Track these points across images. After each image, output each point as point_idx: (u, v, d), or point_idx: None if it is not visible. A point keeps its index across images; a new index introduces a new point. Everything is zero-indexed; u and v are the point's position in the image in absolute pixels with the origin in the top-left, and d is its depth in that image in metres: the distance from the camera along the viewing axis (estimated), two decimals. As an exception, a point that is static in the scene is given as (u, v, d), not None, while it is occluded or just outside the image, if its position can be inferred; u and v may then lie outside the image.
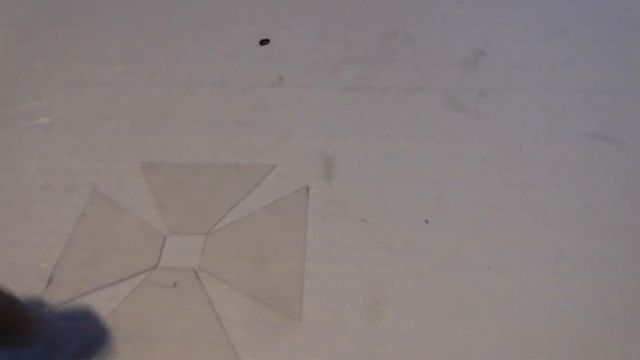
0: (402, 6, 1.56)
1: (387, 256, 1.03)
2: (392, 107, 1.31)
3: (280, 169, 1.20)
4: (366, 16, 1.56)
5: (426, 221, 1.07)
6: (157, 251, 1.08)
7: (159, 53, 1.52)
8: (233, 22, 1.58)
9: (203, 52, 1.51)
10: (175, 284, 1.02)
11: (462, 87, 1.34)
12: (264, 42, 1.49)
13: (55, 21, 1.61)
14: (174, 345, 0.95)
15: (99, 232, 1.12)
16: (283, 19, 1.56)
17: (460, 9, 1.55)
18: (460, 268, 1.00)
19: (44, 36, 1.57)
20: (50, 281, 1.05)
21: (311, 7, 1.59)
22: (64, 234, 1.13)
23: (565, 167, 1.16)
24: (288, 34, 1.52)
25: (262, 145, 1.25)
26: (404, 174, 1.16)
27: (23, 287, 1.05)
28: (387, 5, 1.57)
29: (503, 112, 1.28)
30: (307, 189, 1.15)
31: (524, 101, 1.30)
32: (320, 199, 1.13)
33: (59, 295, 1.03)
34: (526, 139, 1.22)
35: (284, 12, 1.58)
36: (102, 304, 1.02)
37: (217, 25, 1.57)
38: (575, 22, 1.49)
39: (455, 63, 1.41)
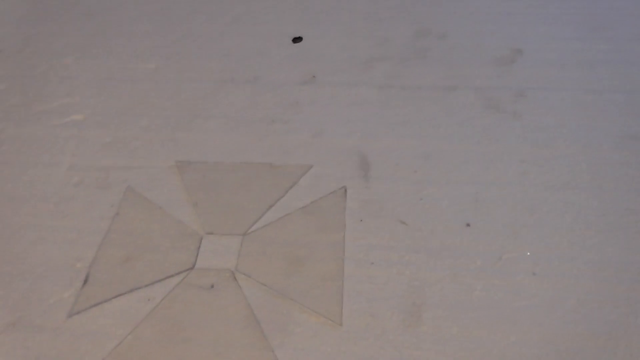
0: (434, 4, 1.54)
1: (427, 259, 1.02)
2: (427, 106, 1.29)
3: (316, 169, 1.18)
4: (397, 13, 1.54)
5: (467, 225, 1.06)
6: (194, 251, 1.07)
7: (188, 49, 1.51)
8: (261, 19, 1.57)
9: (233, 48, 1.50)
10: (212, 286, 1.01)
11: (498, 86, 1.32)
12: (296, 39, 1.48)
13: (85, 17, 1.61)
14: (212, 349, 0.95)
15: (134, 230, 1.12)
16: (313, 16, 1.55)
17: (493, 6, 1.53)
18: (503, 273, 0.98)
19: (74, 32, 1.57)
20: (86, 281, 1.05)
21: (342, 3, 1.57)
22: (98, 232, 1.13)
23: (606, 169, 1.14)
24: (318, 31, 1.50)
25: (295, 144, 1.24)
26: (441, 175, 1.15)
27: (59, 287, 1.05)
28: (418, 3, 1.55)
29: (541, 112, 1.26)
30: (345, 189, 1.13)
31: (563, 101, 1.28)
32: (357, 200, 1.12)
33: (95, 296, 1.03)
34: (565, 140, 1.20)
35: (314, 8, 1.56)
36: (139, 306, 1.01)
37: (245, 22, 1.56)
38: (612, 19, 1.46)
39: (491, 61, 1.39)
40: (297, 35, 1.52)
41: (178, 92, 1.40)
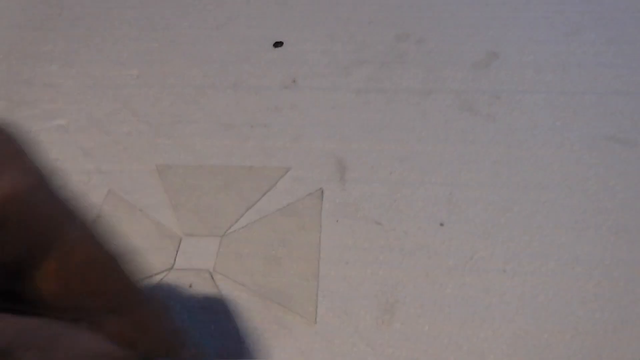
0: (413, 8, 1.56)
1: (400, 259, 1.04)
2: (404, 110, 1.31)
3: (294, 172, 1.20)
4: (377, 18, 1.56)
5: (441, 224, 1.08)
6: (173, 252, 1.09)
7: (171, 56, 1.53)
8: (245, 25, 1.59)
9: (216, 54, 1.52)
10: (190, 285, 1.03)
11: (474, 90, 1.34)
12: (277, 44, 1.50)
13: (70, 24, 1.63)
14: (189, 346, 0.97)
15: (115, 233, 1.13)
16: (295, 21, 1.57)
17: (471, 11, 1.55)
18: (475, 271, 1.00)
19: (59, 39, 1.59)
20: (67, 282, 1.06)
21: (323, 8, 1.60)
22: (80, 236, 1.14)
23: (578, 170, 1.16)
24: (300, 36, 1.52)
25: (274, 148, 1.26)
26: (417, 177, 1.17)
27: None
28: (398, 8, 1.57)
29: (515, 114, 1.28)
30: (322, 191, 1.15)
31: (537, 103, 1.30)
32: (333, 202, 1.14)
33: (76, 296, 1.04)
34: (538, 141, 1.22)
35: (296, 14, 1.59)
36: (119, 305, 1.03)
37: (230, 27, 1.58)
38: (587, 23, 1.49)
39: (467, 65, 1.41)
40: (278, 40, 1.54)
41: (160, 99, 1.42)
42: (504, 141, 1.23)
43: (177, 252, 1.10)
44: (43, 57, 1.57)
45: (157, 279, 1.05)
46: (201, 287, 1.03)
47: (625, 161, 1.17)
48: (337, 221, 1.11)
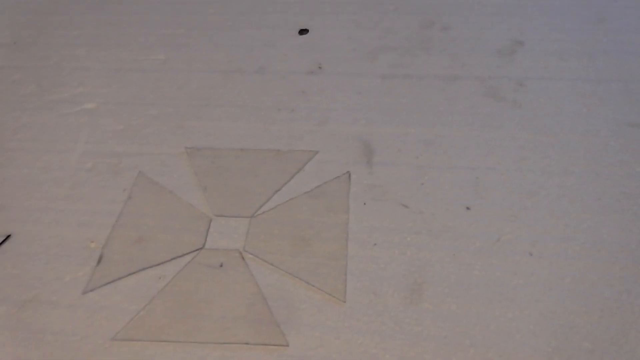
0: (438, -5, 1.57)
1: (428, 241, 1.05)
2: (429, 95, 1.33)
3: (321, 155, 1.22)
4: (402, 5, 1.57)
5: (467, 208, 1.09)
6: (203, 233, 1.11)
7: (197, 41, 1.55)
8: (269, 11, 1.60)
9: (241, 40, 1.53)
10: (221, 265, 1.05)
11: (499, 76, 1.35)
12: (303, 31, 1.52)
13: (97, 9, 1.65)
14: (220, 324, 0.99)
15: (146, 213, 1.16)
16: (320, 8, 1.58)
17: (496, -2, 1.56)
18: (501, 253, 1.02)
19: (86, 23, 1.61)
20: (100, 260, 1.09)
21: (347, -5, 1.61)
22: (111, 214, 1.17)
23: (603, 155, 1.17)
24: (325, 22, 1.54)
25: (301, 131, 1.28)
26: (442, 160, 1.18)
27: (73, 266, 1.09)
28: (423, -6, 1.58)
29: (540, 100, 1.29)
30: (349, 174, 1.17)
31: (562, 90, 1.31)
32: (361, 185, 1.16)
33: (109, 274, 1.07)
34: (563, 127, 1.23)
35: (321, 1, 1.60)
36: (151, 284, 1.06)
37: (254, 13, 1.60)
38: (612, 11, 1.49)
39: (492, 52, 1.42)
40: (304, 28, 1.56)
41: (187, 82, 1.44)
42: (530, 127, 1.23)
43: (207, 232, 1.12)
44: (71, 42, 1.59)
45: (188, 258, 1.07)
46: (231, 266, 1.05)
47: (651, 147, 1.18)
48: (364, 204, 1.13)
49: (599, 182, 1.12)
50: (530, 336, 0.91)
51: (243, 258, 1.07)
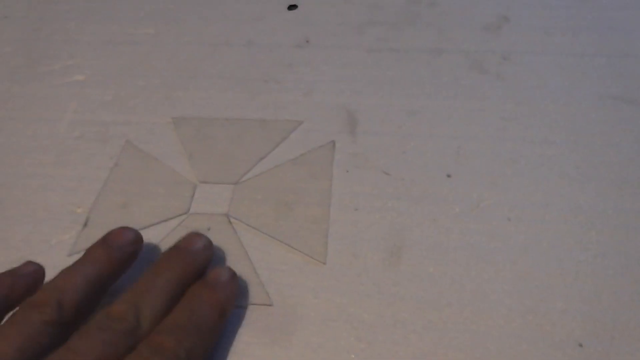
0: (426, -29, 1.58)
1: (408, 206, 1.07)
2: (414, 68, 1.34)
3: (306, 125, 1.24)
4: (390, -19, 1.58)
5: (448, 175, 1.11)
6: (188, 198, 1.13)
7: (187, 15, 1.56)
8: (259, -14, 1.61)
9: (230, 14, 1.54)
10: (209, 229, 1.07)
11: (484, 50, 1.36)
12: (292, 7, 1.53)
13: (88, -18, 1.66)
14: (204, 284, 1.00)
15: (132, 180, 1.17)
16: (309, -16, 1.59)
17: (484, -24, 1.57)
18: (480, 218, 1.04)
19: (77, -3, 1.62)
20: (85, 224, 1.11)
21: (337, -28, 1.62)
22: (98, 181, 1.18)
23: (583, 126, 1.18)
24: (313, -2, 1.55)
25: (287, 102, 1.29)
26: (425, 130, 1.20)
27: (59, 230, 1.10)
28: (411, -29, 1.59)
29: (524, 74, 1.30)
30: (334, 143, 1.18)
31: (546, 64, 1.32)
32: (344, 153, 1.17)
33: (95, 237, 1.08)
34: (545, 99, 1.24)
35: (310, -24, 1.61)
36: (136, 246, 1.07)
37: (244, -12, 1.61)
38: (599, -11, 1.50)
39: (479, 28, 1.43)
40: (293, 4, 1.57)
41: (176, 55, 1.45)
42: (512, 98, 1.25)
43: (192, 198, 1.13)
44: (62, 16, 1.60)
45: (174, 223, 1.09)
46: (219, 230, 1.07)
47: (631, 119, 1.19)
48: (347, 171, 1.14)
49: (579, 152, 1.14)
50: (505, 296, 0.93)
51: (229, 222, 1.08)
